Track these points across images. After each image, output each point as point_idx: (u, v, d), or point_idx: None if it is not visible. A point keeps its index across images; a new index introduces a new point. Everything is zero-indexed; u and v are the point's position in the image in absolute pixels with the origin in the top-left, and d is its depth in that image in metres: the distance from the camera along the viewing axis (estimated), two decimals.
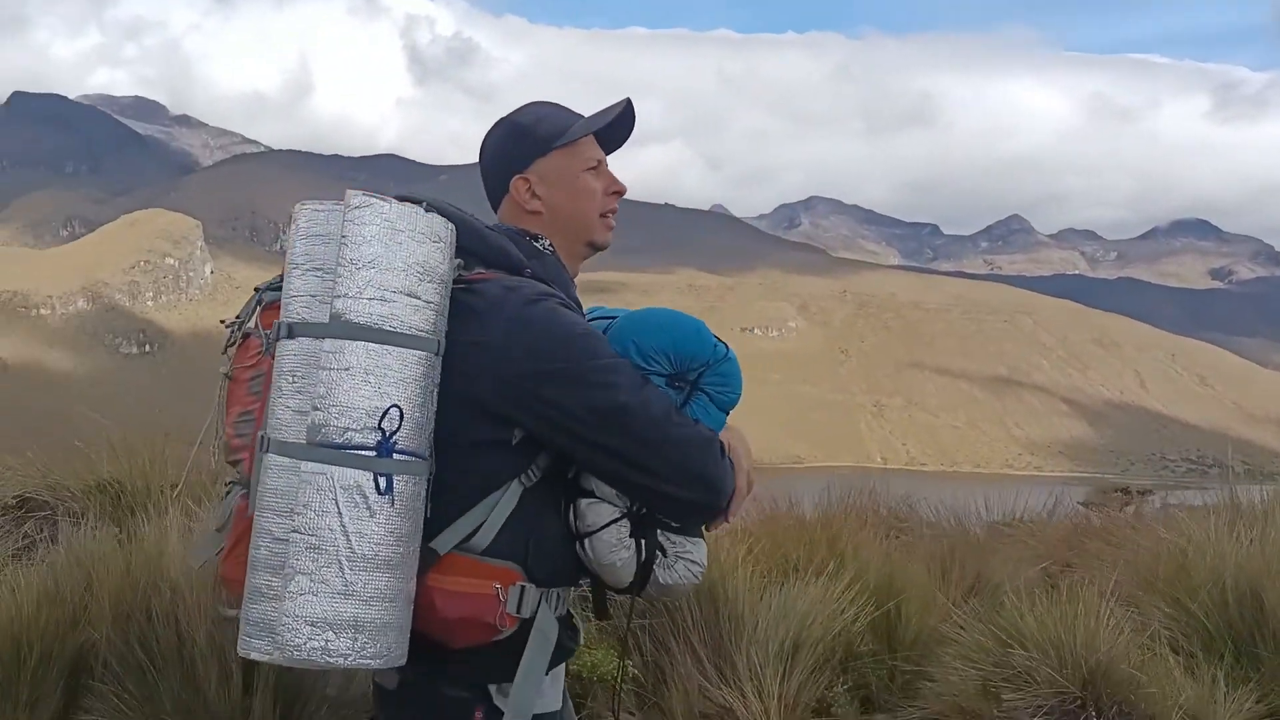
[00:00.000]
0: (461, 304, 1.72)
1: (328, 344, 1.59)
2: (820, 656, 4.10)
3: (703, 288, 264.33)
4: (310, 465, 1.56)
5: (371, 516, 1.56)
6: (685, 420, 1.78)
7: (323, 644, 1.54)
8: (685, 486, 1.75)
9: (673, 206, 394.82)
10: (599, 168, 1.97)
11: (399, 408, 1.59)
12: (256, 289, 1.83)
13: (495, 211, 1.99)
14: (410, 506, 1.61)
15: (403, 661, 1.63)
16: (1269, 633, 4.36)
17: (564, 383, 1.70)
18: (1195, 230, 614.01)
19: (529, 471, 1.75)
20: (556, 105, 2.00)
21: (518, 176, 1.92)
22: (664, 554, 1.82)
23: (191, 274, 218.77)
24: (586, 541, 1.79)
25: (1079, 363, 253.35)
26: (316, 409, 1.57)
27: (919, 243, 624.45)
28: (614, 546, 1.78)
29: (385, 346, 1.59)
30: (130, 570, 3.63)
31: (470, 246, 1.78)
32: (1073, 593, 4.38)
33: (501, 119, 1.98)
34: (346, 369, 1.57)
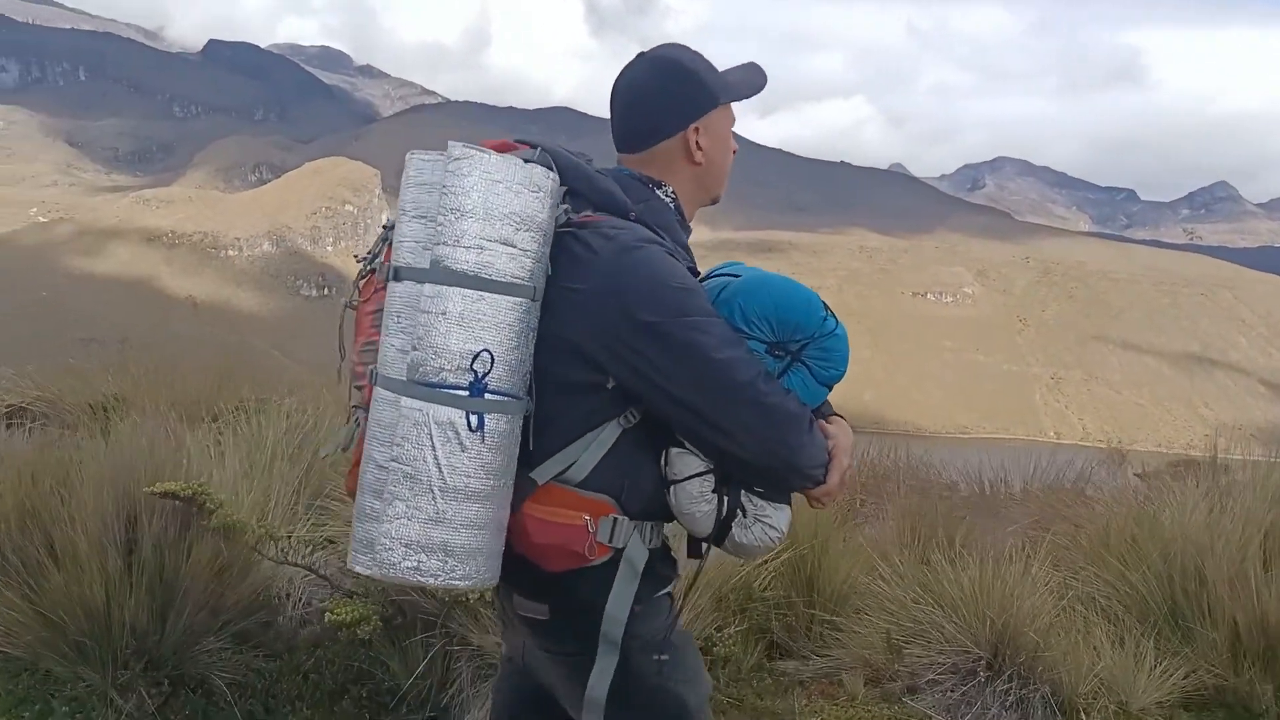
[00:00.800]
0: (565, 249, 1.78)
1: (428, 288, 1.67)
2: (714, 599, 4.07)
3: (874, 249, 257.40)
4: (409, 401, 1.66)
5: (463, 451, 1.66)
6: (774, 388, 1.79)
7: (415, 564, 1.66)
8: (762, 454, 1.77)
9: (848, 164, 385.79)
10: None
11: (490, 352, 1.67)
12: (385, 227, 1.90)
13: (631, 149, 1.98)
14: (502, 443, 1.70)
15: (493, 583, 1.76)
16: (1206, 608, 4.15)
17: (652, 335, 1.73)
18: None
19: (628, 414, 1.81)
20: (701, 55, 1.99)
21: (693, 124, 1.95)
22: (743, 514, 1.84)
23: (369, 221, 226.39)
24: (672, 489, 1.84)
25: None
26: (415, 349, 1.67)
27: (1113, 208, 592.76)
28: (695, 499, 1.83)
29: (480, 293, 1.67)
30: (37, 474, 3.87)
31: (579, 189, 1.83)
32: (1000, 554, 4.27)
33: (659, 58, 1.96)
34: (443, 313, 1.66)
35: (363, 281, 1.93)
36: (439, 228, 1.68)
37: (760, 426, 1.75)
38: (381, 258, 1.89)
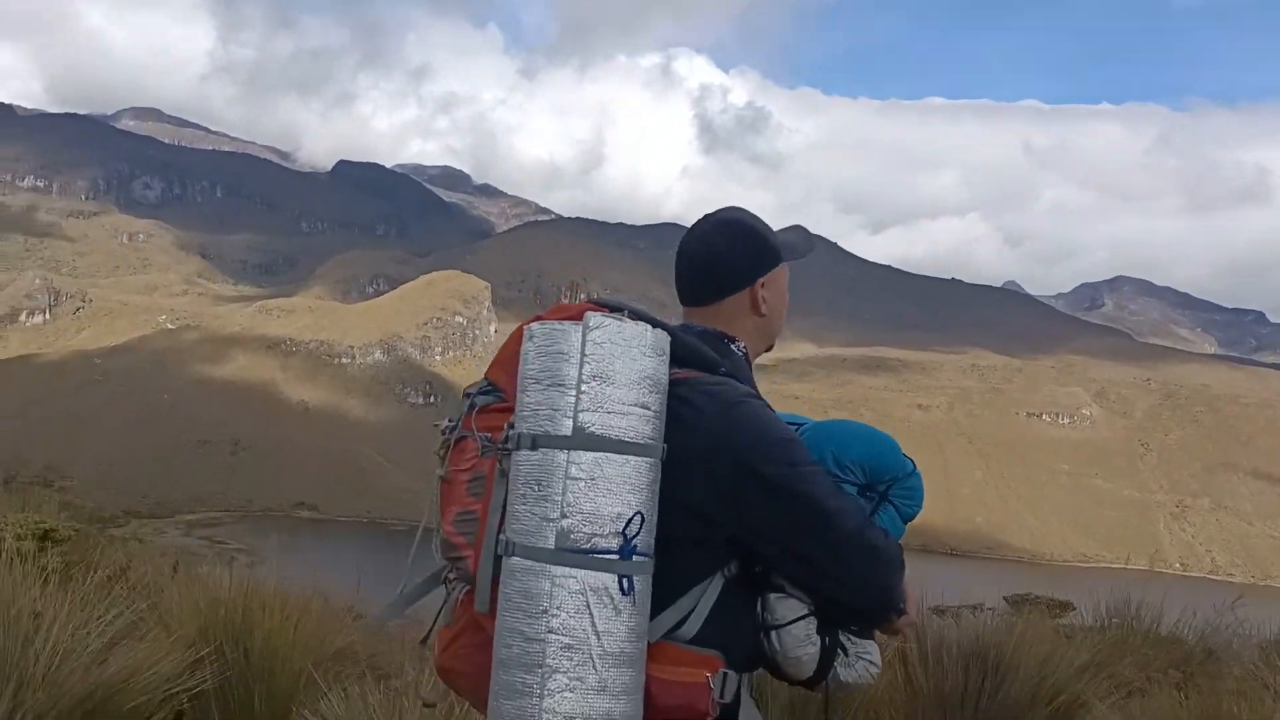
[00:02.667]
0: (669, 408, 1.80)
1: (573, 455, 1.68)
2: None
3: (988, 368, 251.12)
4: (560, 569, 1.65)
5: (618, 615, 1.66)
6: (876, 533, 1.86)
7: None
8: (867, 597, 1.84)
9: (960, 281, 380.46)
10: None
11: (642, 514, 1.69)
12: (466, 393, 1.94)
13: (700, 302, 2.10)
14: (644, 603, 1.71)
15: None
16: None
17: (765, 489, 1.79)
18: None
19: (730, 565, 1.85)
20: (760, 217, 2.15)
21: (760, 281, 2.09)
22: (845, 652, 1.89)
23: (477, 332, 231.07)
24: (774, 634, 1.85)
25: None
26: (565, 516, 1.67)
27: (1240, 331, 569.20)
28: (801, 641, 1.85)
29: (625, 456, 1.69)
30: None
31: (670, 348, 1.85)
32: None
33: (727, 219, 2.12)
34: (592, 479, 1.67)
35: (448, 450, 1.92)
36: (580, 395, 1.70)
37: (868, 571, 1.81)
38: (463, 425, 1.90)
